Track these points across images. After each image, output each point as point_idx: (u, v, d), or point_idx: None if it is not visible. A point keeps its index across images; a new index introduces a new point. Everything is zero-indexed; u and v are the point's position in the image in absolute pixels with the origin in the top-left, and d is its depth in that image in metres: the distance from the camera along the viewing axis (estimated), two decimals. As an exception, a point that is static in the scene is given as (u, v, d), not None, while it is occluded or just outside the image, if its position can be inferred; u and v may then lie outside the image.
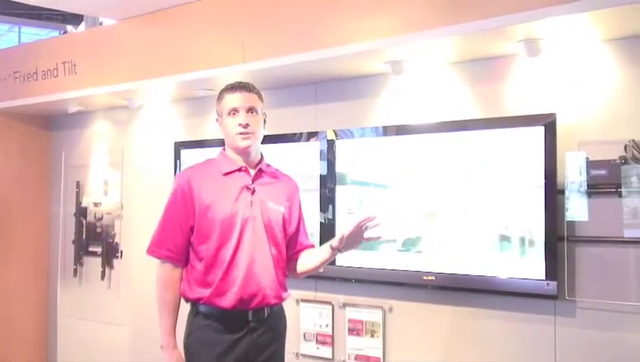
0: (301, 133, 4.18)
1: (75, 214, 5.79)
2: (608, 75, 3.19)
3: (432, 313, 3.72)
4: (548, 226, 3.21)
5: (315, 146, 4.09)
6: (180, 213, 2.73)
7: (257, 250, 2.71)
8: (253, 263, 2.69)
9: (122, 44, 4.70)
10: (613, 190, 3.09)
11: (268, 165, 2.89)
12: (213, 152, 4.57)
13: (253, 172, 2.79)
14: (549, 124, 3.21)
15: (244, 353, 2.69)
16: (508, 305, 3.42)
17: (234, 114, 2.74)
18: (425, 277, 3.62)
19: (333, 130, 4.01)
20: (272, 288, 2.75)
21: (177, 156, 4.87)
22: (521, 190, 3.30)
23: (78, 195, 5.79)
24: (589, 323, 3.20)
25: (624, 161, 3.07)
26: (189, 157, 4.81)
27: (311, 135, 4.14)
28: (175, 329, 2.74)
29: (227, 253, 2.68)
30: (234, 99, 2.75)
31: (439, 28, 3.17)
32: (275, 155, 4.31)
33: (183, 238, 2.73)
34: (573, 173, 3.19)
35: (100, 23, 5.50)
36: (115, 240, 5.50)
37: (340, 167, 3.97)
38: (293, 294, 4.21)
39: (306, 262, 2.94)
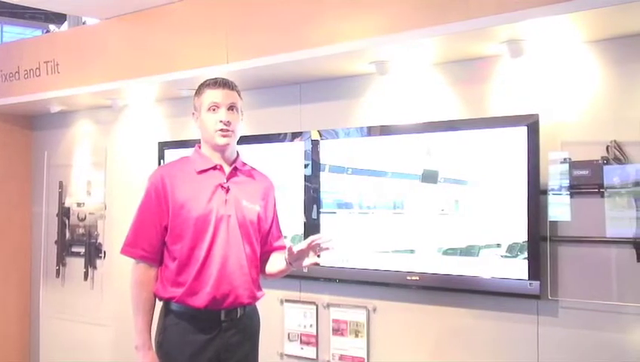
0: (285, 134, 4.18)
1: (57, 214, 5.74)
2: (591, 76, 3.21)
3: (416, 313, 3.73)
4: (531, 226, 3.22)
5: (300, 146, 4.09)
6: (154, 211, 2.71)
7: (231, 249, 2.69)
8: (227, 262, 2.68)
9: (105, 43, 4.68)
10: (596, 190, 3.11)
11: (244, 163, 2.87)
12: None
13: (228, 170, 2.77)
14: (532, 125, 3.22)
15: (216, 353, 2.67)
16: (491, 304, 3.44)
17: (214, 110, 2.73)
18: (409, 277, 3.63)
19: (318, 131, 4.01)
20: (246, 288, 2.73)
21: (161, 156, 4.86)
22: (504, 190, 3.32)
23: (60, 195, 5.74)
24: (572, 323, 3.22)
25: (606, 161, 3.09)
26: (173, 157, 4.79)
27: (295, 135, 4.14)
28: (150, 329, 2.73)
29: (201, 252, 2.66)
30: (215, 95, 2.74)
31: (423, 28, 3.18)
32: (260, 155, 4.33)
33: (158, 237, 2.71)
34: (555, 174, 3.21)
35: (83, 23, 5.47)
36: (98, 241, 5.47)
37: (324, 167, 3.97)
38: (277, 294, 4.24)
39: (271, 266, 2.92)
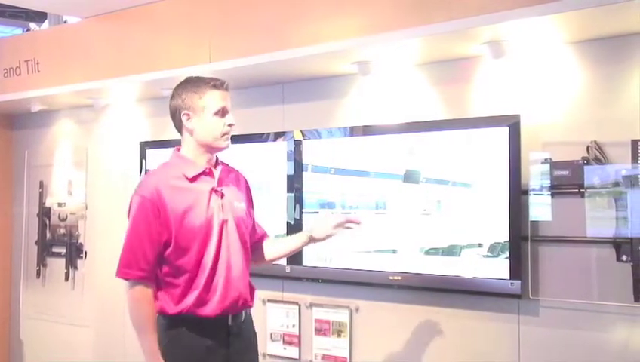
0: (268, 133, 4.17)
1: (38, 215, 5.70)
2: (572, 77, 3.23)
3: (399, 312, 3.74)
4: (512, 226, 3.24)
5: (282, 146, 4.09)
6: (151, 228, 2.57)
7: (233, 254, 2.65)
8: (231, 267, 2.63)
9: (87, 42, 4.65)
10: (576, 190, 3.14)
11: (221, 162, 2.80)
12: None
13: (217, 173, 2.71)
14: (514, 125, 3.24)
15: (226, 358, 2.64)
16: (473, 304, 3.45)
17: (222, 114, 2.65)
18: (391, 277, 3.63)
19: (301, 131, 4.01)
20: (247, 291, 2.71)
21: (143, 156, 4.84)
22: (486, 190, 3.33)
23: (41, 195, 5.70)
24: (553, 322, 3.24)
25: (586, 161, 3.11)
26: (155, 157, 4.78)
27: (278, 135, 4.13)
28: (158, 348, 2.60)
29: (207, 261, 2.59)
30: (223, 98, 2.66)
31: (406, 29, 3.19)
32: (242, 155, 4.32)
33: (155, 255, 2.58)
34: (536, 174, 3.23)
35: (64, 21, 5.42)
36: (79, 241, 5.43)
37: (307, 167, 3.96)
38: (260, 294, 4.20)
39: (276, 249, 2.95)
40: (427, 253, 3.52)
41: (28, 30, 6.51)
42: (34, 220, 5.74)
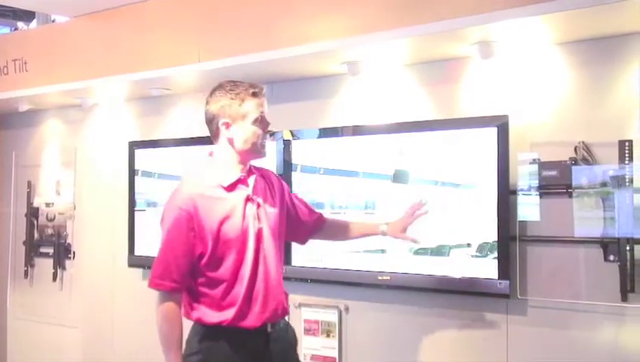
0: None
1: (26, 215, 5.68)
2: (559, 77, 3.24)
3: (387, 313, 3.74)
4: (500, 226, 3.25)
5: (272, 146, 4.08)
6: (187, 239, 2.51)
7: (269, 263, 2.60)
8: (269, 278, 2.59)
9: (75, 41, 4.63)
10: (564, 190, 3.15)
11: (255, 167, 2.76)
12: (167, 153, 4.60)
13: (251, 181, 2.65)
14: (502, 126, 3.25)
15: None
16: (461, 304, 3.46)
17: (261, 122, 2.60)
18: (380, 277, 3.64)
19: (290, 130, 4.01)
20: (284, 298, 2.68)
21: (131, 156, 4.82)
22: (475, 190, 3.34)
23: (29, 195, 5.68)
24: (541, 322, 3.25)
25: (574, 162, 3.13)
26: (144, 157, 4.77)
27: (271, 134, 4.12)
28: None
29: (245, 272, 2.54)
30: (262, 105, 2.62)
31: (395, 29, 3.19)
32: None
33: (189, 266, 2.52)
34: (525, 174, 3.24)
35: (53, 21, 5.39)
36: (67, 241, 5.41)
37: (296, 167, 3.96)
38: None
39: (348, 231, 3.06)
40: (416, 253, 3.52)
41: (16, 29, 6.47)
42: (22, 220, 5.71)
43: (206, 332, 2.56)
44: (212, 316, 2.54)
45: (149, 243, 4.74)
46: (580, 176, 3.09)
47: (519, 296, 3.26)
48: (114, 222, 5.05)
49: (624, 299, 3.00)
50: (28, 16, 6.42)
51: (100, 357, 5.15)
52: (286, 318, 2.74)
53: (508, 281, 3.23)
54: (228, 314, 2.52)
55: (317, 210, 3.06)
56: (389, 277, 3.62)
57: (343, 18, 3.38)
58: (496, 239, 3.26)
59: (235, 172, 2.62)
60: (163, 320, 2.54)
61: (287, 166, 4.00)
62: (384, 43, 3.31)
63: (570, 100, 3.22)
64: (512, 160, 3.24)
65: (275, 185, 2.80)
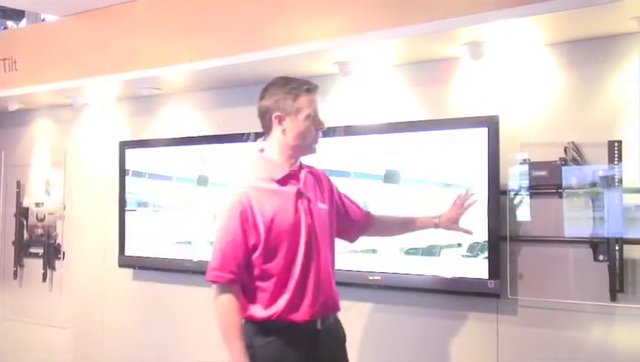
0: (249, 133, 4.16)
1: (15, 215, 5.66)
2: (549, 78, 3.26)
3: (378, 312, 3.75)
4: (491, 226, 3.26)
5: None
6: (242, 231, 2.53)
7: (320, 257, 2.62)
8: (320, 272, 2.61)
9: (65, 41, 4.61)
10: (554, 191, 3.16)
11: (304, 164, 2.77)
12: (158, 152, 4.59)
13: (302, 176, 2.67)
14: (493, 126, 3.26)
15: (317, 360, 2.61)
16: (452, 303, 3.47)
17: (314, 118, 2.63)
18: (370, 277, 3.64)
19: (281, 131, 4.00)
20: (335, 293, 2.70)
21: (122, 156, 4.81)
22: (465, 190, 3.34)
23: (18, 195, 5.66)
24: (531, 321, 3.26)
25: (564, 162, 3.14)
26: (134, 157, 4.76)
27: (258, 135, 4.12)
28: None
29: (297, 265, 2.56)
30: (315, 102, 2.64)
31: (386, 30, 3.19)
32: (223, 155, 4.31)
33: (245, 258, 2.55)
34: (515, 174, 3.26)
35: (43, 20, 5.38)
36: (57, 242, 5.40)
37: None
38: (239, 295, 4.22)
39: (400, 227, 3.13)
40: (407, 253, 3.53)
41: (5, 28, 6.44)
42: (11, 220, 5.69)
43: (257, 328, 2.58)
44: (263, 312, 2.56)
45: (140, 244, 4.74)
46: (570, 176, 3.11)
47: (509, 296, 3.28)
48: (104, 222, 5.04)
49: (613, 298, 3.02)
50: (17, 15, 6.39)
51: (90, 357, 5.14)
52: (336, 317, 2.75)
53: (498, 281, 3.24)
54: (279, 307, 2.55)
55: (365, 208, 3.06)
56: (379, 277, 3.62)
57: (334, 18, 3.38)
58: (487, 239, 3.27)
59: (287, 166, 2.65)
60: (223, 311, 2.56)
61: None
62: (375, 43, 3.31)
63: (560, 101, 3.23)
64: (503, 160, 3.25)
65: (324, 183, 2.82)
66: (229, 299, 2.55)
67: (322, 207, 2.71)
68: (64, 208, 5.36)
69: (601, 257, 3.05)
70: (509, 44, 3.27)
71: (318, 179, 2.79)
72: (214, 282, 2.57)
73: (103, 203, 5.06)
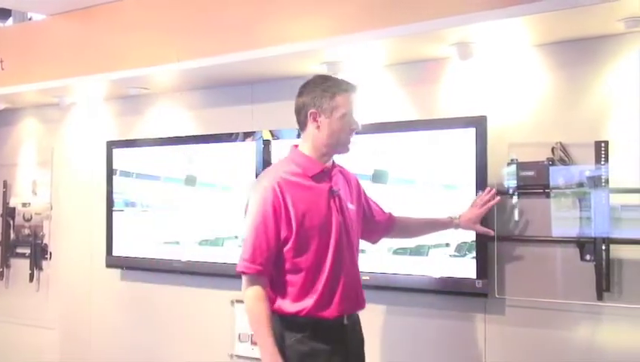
0: (237, 133, 4.16)
1: (2, 215, 5.62)
2: (537, 78, 3.27)
3: (366, 312, 3.72)
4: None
5: (251, 146, 4.08)
6: (272, 224, 2.55)
7: (349, 255, 2.65)
8: (349, 269, 2.64)
9: (52, 40, 4.59)
10: (541, 191, 3.18)
11: (336, 163, 2.80)
12: (146, 152, 4.58)
13: (333, 175, 2.71)
14: (481, 126, 3.27)
15: (345, 358, 2.64)
16: (440, 303, 3.48)
17: (349, 118, 2.64)
18: (359, 277, 3.64)
19: (270, 130, 4.00)
20: (362, 291, 2.73)
21: (109, 155, 4.79)
22: (454, 190, 3.36)
23: (5, 195, 5.62)
24: (518, 321, 3.28)
25: (551, 162, 3.16)
26: (122, 156, 4.74)
27: (247, 135, 4.12)
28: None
29: (327, 260, 2.58)
30: (352, 102, 2.65)
31: (375, 30, 3.20)
32: (211, 155, 4.30)
33: (275, 250, 2.57)
34: (503, 174, 3.27)
35: (29, 19, 5.34)
36: (44, 242, 5.37)
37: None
38: (227, 295, 4.22)
39: (421, 228, 3.18)
40: (395, 252, 3.54)
41: (-9, 27, 6.40)
42: (-3, 220, 5.66)
43: (286, 323, 2.59)
44: (291, 306, 2.58)
45: (128, 244, 4.72)
46: (557, 176, 3.12)
47: (497, 296, 3.29)
48: (91, 223, 5.02)
49: (600, 298, 3.04)
50: (4, 14, 6.34)
51: (77, 357, 5.11)
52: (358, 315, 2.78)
53: (486, 280, 3.25)
54: (308, 303, 2.57)
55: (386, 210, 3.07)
56: (367, 277, 3.60)
57: (323, 19, 3.38)
58: (475, 239, 3.28)
59: (320, 163, 2.67)
60: (252, 299, 2.56)
61: (266, 166, 3.99)
62: (364, 43, 3.31)
63: (547, 101, 3.25)
64: (491, 160, 3.26)
65: (353, 184, 2.84)
66: (257, 291, 2.56)
67: (351, 207, 2.73)
68: (51, 208, 5.33)
69: (587, 257, 3.06)
70: (498, 44, 3.29)
71: (348, 179, 2.82)
72: (243, 273, 2.58)
73: (91, 203, 5.03)
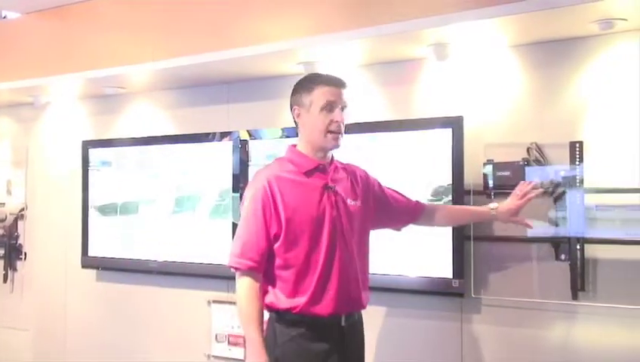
0: (214, 133, 4.14)
1: (-25, 215, 5.55)
2: (513, 79, 3.29)
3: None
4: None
5: (228, 146, 4.06)
6: (263, 219, 2.54)
7: (345, 252, 2.61)
8: (345, 265, 2.59)
9: (27, 38, 4.54)
10: (517, 191, 3.20)
11: (337, 160, 2.76)
12: (122, 151, 4.55)
13: (330, 170, 2.67)
14: (457, 127, 3.28)
15: (342, 359, 2.60)
16: (416, 303, 3.49)
17: (330, 109, 2.58)
18: (336, 277, 3.64)
19: (247, 130, 3.99)
20: (361, 291, 2.67)
21: (85, 155, 4.75)
22: (430, 190, 3.37)
23: (-22, 195, 5.55)
24: (494, 320, 3.30)
25: (527, 162, 3.18)
26: (97, 156, 4.70)
27: (224, 135, 4.10)
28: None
29: (319, 257, 2.55)
30: (332, 93, 2.58)
31: (351, 30, 3.20)
32: (188, 155, 4.28)
33: (267, 246, 2.55)
34: (479, 174, 3.29)
35: (4, 17, 5.28)
36: (18, 242, 5.31)
37: (253, 168, 3.94)
38: (204, 295, 4.20)
39: (459, 217, 3.10)
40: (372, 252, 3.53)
41: (-35, 25, 6.31)
42: (-29, 221, 5.58)
43: (279, 318, 2.58)
44: (284, 302, 2.56)
45: (103, 244, 4.68)
46: (533, 176, 3.13)
47: (473, 295, 3.31)
48: (67, 223, 4.97)
49: (574, 297, 3.07)
50: (-22, 12, 6.28)
51: (51, 359, 5.07)
52: (360, 315, 2.73)
53: (462, 280, 3.27)
54: (301, 299, 2.54)
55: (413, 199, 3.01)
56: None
57: (299, 18, 3.38)
58: (451, 238, 3.29)
59: (314, 159, 2.65)
60: (243, 295, 2.55)
61: (243, 165, 3.98)
62: (340, 43, 3.31)
63: (523, 102, 3.27)
64: (467, 160, 3.27)
65: (360, 180, 2.79)
66: (248, 287, 2.55)
67: (352, 203, 2.68)
68: (26, 208, 5.28)
69: (562, 256, 3.09)
70: (474, 45, 3.30)
71: (354, 175, 2.78)
72: (235, 269, 2.58)
73: (66, 203, 4.99)
